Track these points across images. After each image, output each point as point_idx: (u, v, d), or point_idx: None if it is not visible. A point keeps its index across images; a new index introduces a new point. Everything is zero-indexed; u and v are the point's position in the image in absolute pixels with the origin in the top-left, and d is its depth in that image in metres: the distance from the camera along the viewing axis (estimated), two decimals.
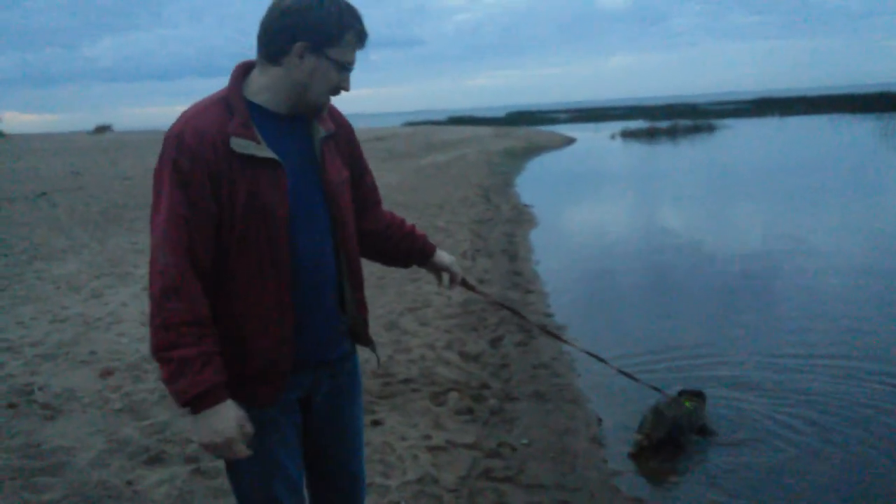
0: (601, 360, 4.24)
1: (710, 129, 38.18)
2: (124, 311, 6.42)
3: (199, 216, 1.85)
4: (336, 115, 2.17)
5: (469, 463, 3.97)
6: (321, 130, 2.06)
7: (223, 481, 3.63)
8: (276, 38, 1.93)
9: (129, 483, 3.61)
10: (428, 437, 4.22)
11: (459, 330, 6.20)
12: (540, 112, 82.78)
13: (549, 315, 6.83)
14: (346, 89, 2.01)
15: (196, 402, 1.84)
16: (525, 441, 4.27)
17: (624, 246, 10.37)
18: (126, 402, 4.54)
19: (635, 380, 4.40)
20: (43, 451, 3.88)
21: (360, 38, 1.98)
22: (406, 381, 5.00)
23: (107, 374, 4.95)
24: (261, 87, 1.97)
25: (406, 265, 2.52)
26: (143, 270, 8.02)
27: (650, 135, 36.17)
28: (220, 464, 3.75)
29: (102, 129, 36.04)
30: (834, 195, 14.36)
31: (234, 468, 2.07)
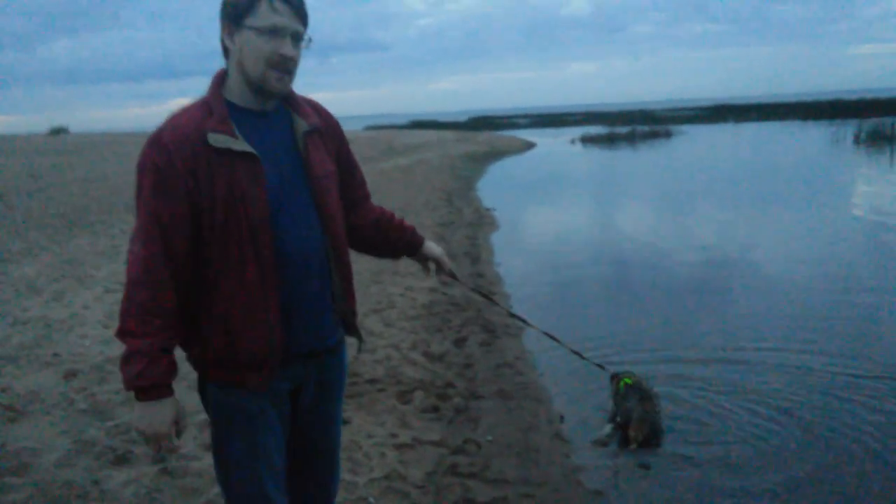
0: (555, 339, 4.35)
1: (668, 134, 38.83)
2: (86, 314, 6.36)
3: (173, 210, 1.93)
4: (322, 112, 2.23)
5: (435, 459, 4.04)
6: (304, 124, 2.12)
7: (191, 480, 3.66)
8: (220, 37, 2.04)
9: (96, 483, 3.60)
10: (394, 435, 4.28)
11: (424, 331, 6.27)
12: (501, 117, 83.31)
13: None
14: (287, 55, 1.98)
15: (141, 392, 1.94)
16: (490, 438, 4.35)
17: (583, 248, 10.57)
18: (91, 403, 4.52)
19: (582, 357, 4.57)
20: (7, 452, 3.85)
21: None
22: (372, 380, 5.05)
23: (70, 375, 4.91)
24: (231, 87, 2.04)
25: (396, 257, 2.61)
26: (104, 273, 7.96)
27: (609, 140, 36.62)
28: (189, 463, 3.81)
29: (58, 132, 35.28)
30: (783, 198, 14.81)
31: (224, 459, 2.13)
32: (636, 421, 4.34)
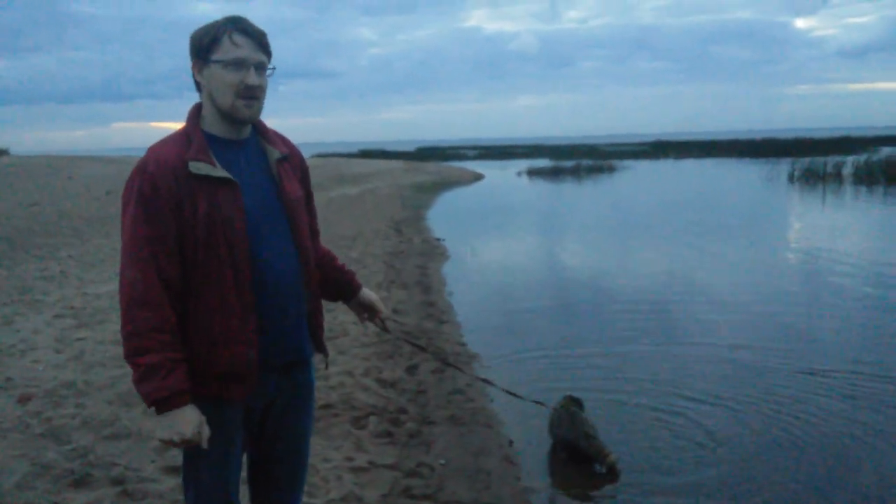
0: (489, 382, 4.55)
1: (611, 169, 39.81)
2: (37, 339, 6.33)
3: (160, 233, 2.08)
4: (288, 143, 2.43)
5: (390, 482, 4.17)
6: (276, 152, 2.33)
7: (151, 502, 3.73)
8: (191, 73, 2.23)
9: None
10: (350, 458, 4.41)
11: (376, 358, 6.41)
12: (449, 147, 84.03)
13: (463, 344, 7.12)
14: (251, 83, 2.16)
15: (160, 405, 2.07)
16: (442, 461, 4.50)
17: (532, 277, 10.89)
18: (47, 426, 4.54)
19: (519, 397, 4.73)
20: None
21: (238, 28, 2.16)
22: (327, 406, 5.16)
23: (25, 399, 4.91)
24: (204, 117, 2.24)
25: (334, 299, 2.75)
26: (54, 298, 7.90)
27: (555, 173, 37.37)
28: (147, 485, 3.88)
29: None
30: (719, 230, 15.45)
31: (195, 464, 2.27)
32: (595, 449, 4.46)
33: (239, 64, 2.16)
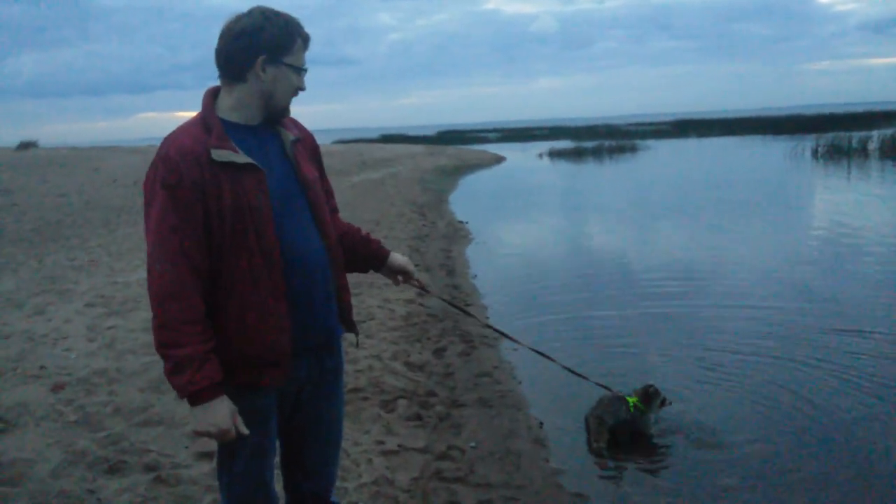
0: (549, 358, 4.42)
1: (634, 149, 39.42)
2: (69, 327, 6.40)
3: (188, 223, 2.08)
4: (299, 125, 2.45)
5: (421, 465, 4.18)
6: (290, 135, 2.33)
7: (185, 488, 3.76)
8: (236, 58, 2.19)
9: (92, 492, 3.68)
10: (381, 442, 4.42)
11: (404, 341, 6.41)
12: (470, 131, 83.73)
13: (488, 326, 7.09)
14: (303, 88, 2.29)
15: (194, 397, 2.07)
16: (472, 444, 4.51)
17: (557, 259, 10.87)
18: (80, 414, 4.59)
19: (584, 377, 4.63)
20: (1, 463, 3.91)
21: (306, 42, 2.27)
22: (356, 390, 5.17)
23: (58, 388, 4.97)
24: (230, 106, 2.23)
25: (364, 270, 2.74)
26: (84, 287, 7.98)
27: (577, 154, 37.11)
28: (181, 471, 3.91)
29: (27, 146, 34.67)
30: (745, 207, 15.30)
31: (231, 451, 2.27)
32: (593, 430, 4.54)
33: (303, 70, 2.27)
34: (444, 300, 3.88)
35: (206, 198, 2.09)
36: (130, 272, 8.81)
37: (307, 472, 2.49)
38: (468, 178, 26.53)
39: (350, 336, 2.63)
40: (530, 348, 4.38)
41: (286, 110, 2.30)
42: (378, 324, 6.87)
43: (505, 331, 4.19)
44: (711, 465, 4.31)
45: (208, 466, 3.92)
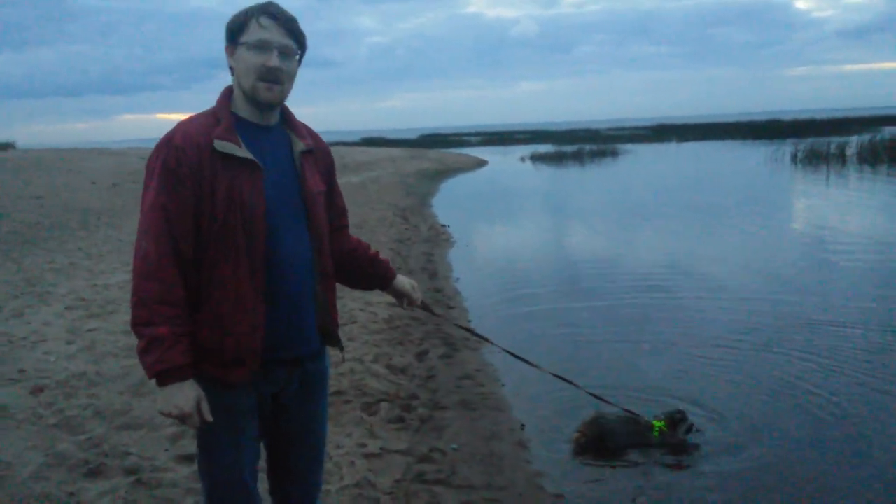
0: (568, 381, 4.52)
1: (614, 153, 39.66)
2: (48, 330, 6.35)
3: (179, 207, 2.10)
4: (315, 137, 2.43)
5: (403, 467, 4.20)
6: (301, 144, 2.32)
7: (165, 491, 3.75)
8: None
9: (72, 495, 3.67)
10: (363, 444, 4.43)
11: (386, 344, 6.42)
12: (452, 135, 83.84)
13: (471, 329, 7.12)
14: (272, 66, 2.17)
15: (161, 377, 2.09)
16: (454, 446, 4.52)
17: (538, 262, 10.90)
18: (60, 417, 4.56)
19: (607, 402, 4.63)
20: None
21: (266, 12, 2.20)
22: (338, 393, 5.18)
23: (38, 391, 4.94)
24: (235, 100, 2.27)
25: (369, 288, 2.75)
26: (64, 289, 7.92)
27: (558, 158, 37.29)
28: (162, 474, 3.90)
29: (5, 147, 34.22)
30: (727, 213, 15.42)
31: (208, 451, 2.28)
32: (582, 424, 4.60)
33: (262, 46, 2.17)
34: (457, 325, 4.02)
35: (201, 185, 2.10)
36: (110, 274, 8.76)
37: (293, 477, 2.49)
38: (450, 181, 26.57)
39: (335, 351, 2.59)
40: (551, 373, 4.45)
41: (261, 93, 2.19)
42: (360, 327, 6.88)
43: (518, 353, 4.19)
44: (694, 467, 4.37)
45: (189, 469, 3.92)
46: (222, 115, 2.20)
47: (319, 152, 2.41)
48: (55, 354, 5.73)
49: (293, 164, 2.30)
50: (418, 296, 2.79)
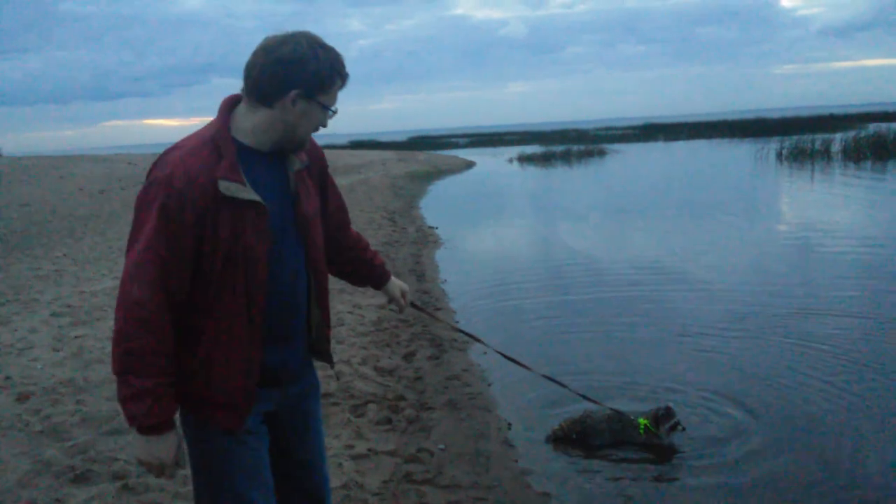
0: (565, 386, 4.57)
1: (602, 153, 39.75)
2: (34, 338, 6.33)
3: (177, 256, 1.98)
4: (312, 143, 2.31)
5: (391, 468, 4.21)
6: (296, 162, 2.22)
7: (152, 496, 3.76)
8: (271, 83, 2.05)
9: (59, 501, 3.67)
10: (350, 446, 4.44)
11: (374, 346, 6.44)
12: (440, 136, 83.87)
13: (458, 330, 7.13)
14: (325, 126, 2.18)
15: (148, 429, 2.01)
16: (442, 446, 4.55)
17: (525, 262, 10.93)
18: (46, 424, 4.56)
19: (597, 403, 4.63)
20: None
21: (344, 82, 2.16)
22: (325, 395, 5.19)
23: (24, 398, 4.93)
24: (248, 128, 2.11)
25: (362, 285, 2.76)
26: (50, 296, 7.90)
27: (546, 159, 37.35)
28: (149, 479, 3.91)
29: None
30: (713, 212, 15.48)
31: (206, 480, 2.22)
32: (567, 420, 4.66)
33: (333, 112, 2.17)
34: (457, 329, 4.04)
35: (203, 228, 1.98)
36: (97, 281, 8.74)
37: (309, 493, 2.43)
38: (439, 183, 26.59)
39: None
40: (542, 375, 4.47)
41: (303, 145, 2.18)
42: (348, 329, 6.90)
43: (507, 352, 4.19)
44: (681, 464, 4.41)
45: (176, 474, 3.92)
46: (224, 147, 2.05)
47: (313, 163, 2.32)
48: (42, 361, 5.72)
49: (288, 187, 2.20)
50: (404, 303, 2.79)
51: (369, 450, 4.41)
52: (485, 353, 6.39)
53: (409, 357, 6.24)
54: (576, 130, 72.12)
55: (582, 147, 42.31)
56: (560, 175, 29.27)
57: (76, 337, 6.35)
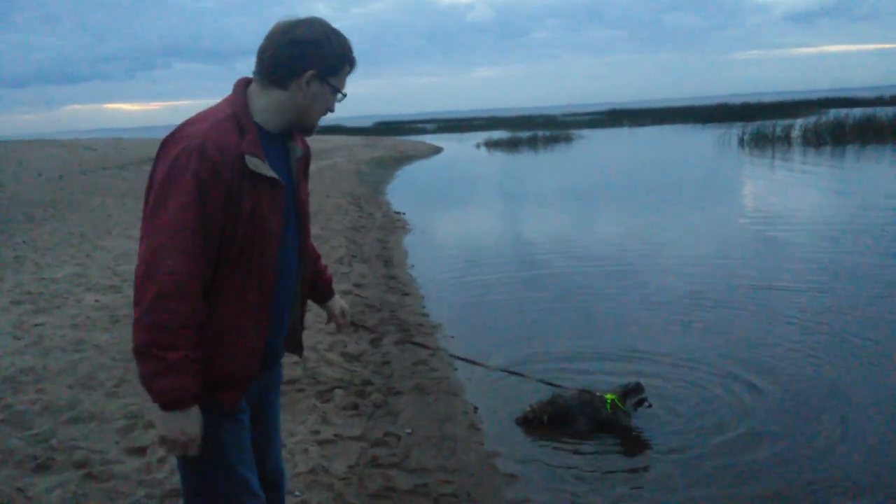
0: (550, 382, 4.69)
1: (568, 138, 39.97)
2: None
3: (210, 228, 1.96)
4: (302, 137, 2.33)
5: (357, 453, 4.22)
6: (297, 150, 2.25)
7: (116, 483, 3.73)
8: (285, 64, 2.09)
9: (21, 490, 3.62)
10: (316, 431, 4.44)
11: (341, 332, 6.41)
12: (407, 122, 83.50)
13: (425, 315, 7.18)
14: (333, 110, 2.22)
15: (175, 403, 1.96)
16: (408, 430, 4.57)
17: (493, 247, 10.99)
18: (7, 413, 4.48)
19: (558, 385, 4.73)
20: None
21: (353, 67, 2.22)
22: (291, 381, 5.17)
23: None
24: (262, 108, 2.13)
25: (308, 297, 2.68)
26: (10, 284, 7.76)
27: (513, 145, 37.45)
28: (112, 467, 3.88)
29: None
30: (676, 196, 15.70)
31: (203, 458, 2.13)
32: (537, 402, 4.73)
33: (343, 96, 2.22)
34: (455, 356, 4.01)
35: (228, 203, 1.98)
36: (57, 268, 8.59)
37: (267, 475, 2.42)
38: (405, 169, 26.54)
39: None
40: (537, 380, 4.62)
41: (313, 128, 2.22)
42: (314, 315, 6.84)
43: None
44: (649, 447, 4.48)
45: (139, 461, 3.90)
46: (247, 125, 2.07)
47: (305, 155, 2.34)
48: (2, 349, 5.62)
49: (291, 173, 2.23)
50: (343, 322, 2.76)
51: (336, 435, 4.41)
52: (452, 337, 6.46)
53: (375, 342, 6.24)
54: (542, 116, 72.30)
55: (548, 133, 42.46)
56: (527, 160, 29.39)
57: (36, 325, 6.24)
